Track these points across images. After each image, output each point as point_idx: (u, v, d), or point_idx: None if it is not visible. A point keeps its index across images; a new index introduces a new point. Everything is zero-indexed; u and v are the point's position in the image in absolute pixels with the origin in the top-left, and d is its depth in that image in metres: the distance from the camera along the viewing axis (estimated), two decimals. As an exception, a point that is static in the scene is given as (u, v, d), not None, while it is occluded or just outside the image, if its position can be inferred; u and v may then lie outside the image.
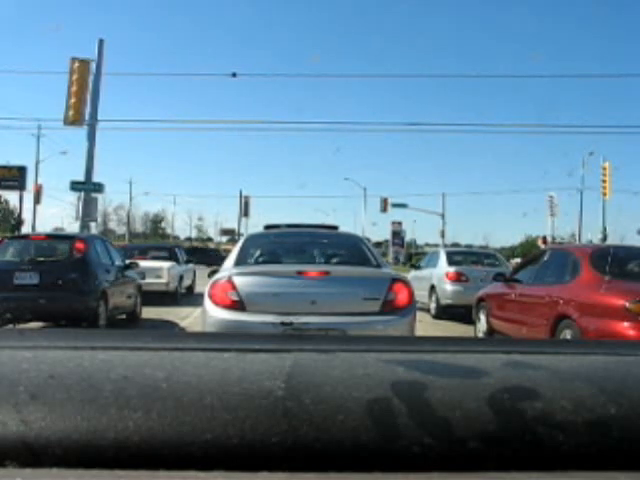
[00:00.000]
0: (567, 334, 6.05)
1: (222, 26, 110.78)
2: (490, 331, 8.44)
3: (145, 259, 13.60)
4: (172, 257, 14.92)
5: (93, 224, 23.27)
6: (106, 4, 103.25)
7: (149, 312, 10.87)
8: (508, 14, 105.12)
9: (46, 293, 7.85)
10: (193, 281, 16.42)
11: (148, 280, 12.23)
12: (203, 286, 5.62)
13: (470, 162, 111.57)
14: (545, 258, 7.76)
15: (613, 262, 6.02)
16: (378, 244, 49.29)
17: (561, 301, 6.34)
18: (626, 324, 5.39)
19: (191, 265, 16.74)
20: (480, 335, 8.75)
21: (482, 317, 8.84)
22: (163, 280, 13.16)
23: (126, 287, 9.88)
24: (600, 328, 5.58)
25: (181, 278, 14.59)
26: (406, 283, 5.27)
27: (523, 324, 7.23)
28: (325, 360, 0.57)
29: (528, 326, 7.05)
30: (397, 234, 53.47)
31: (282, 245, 6.15)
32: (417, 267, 15.29)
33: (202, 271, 12.54)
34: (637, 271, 6.36)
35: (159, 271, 13.15)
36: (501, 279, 8.57)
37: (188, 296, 14.75)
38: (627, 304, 5.39)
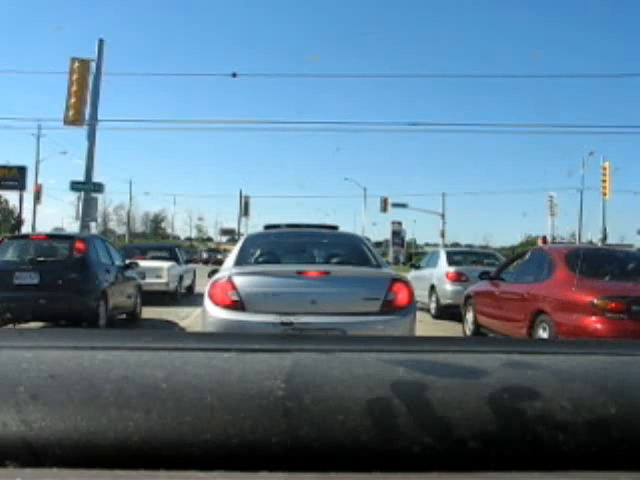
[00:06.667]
0: (543, 328, 6.63)
1: (222, 26, 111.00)
2: (477, 326, 8.94)
3: (145, 259, 13.62)
4: (172, 257, 14.93)
5: (93, 224, 23.27)
6: (106, 3, 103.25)
7: (149, 312, 10.87)
8: (508, 14, 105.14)
9: (46, 293, 7.84)
10: (193, 281, 16.47)
11: (148, 280, 12.26)
12: (203, 286, 5.62)
13: (470, 162, 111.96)
14: (526, 258, 8.49)
15: (584, 262, 6.53)
16: (378, 244, 49.28)
17: (538, 298, 6.89)
18: (594, 318, 5.93)
19: (191, 265, 16.84)
20: (467, 330, 9.31)
21: (470, 313, 9.32)
22: (163, 280, 13.17)
23: (126, 287, 9.87)
24: (572, 322, 6.13)
25: (181, 278, 14.62)
26: (406, 283, 5.26)
27: (506, 319, 7.77)
28: (325, 360, 0.57)
29: (510, 321, 7.59)
30: (397, 234, 53.44)
31: (282, 245, 6.14)
32: (417, 267, 15.27)
33: (202, 271, 12.54)
34: (606, 270, 6.85)
35: (159, 271, 13.16)
36: (486, 277, 9.01)
37: (188, 296, 14.79)
38: (595, 300, 5.92)
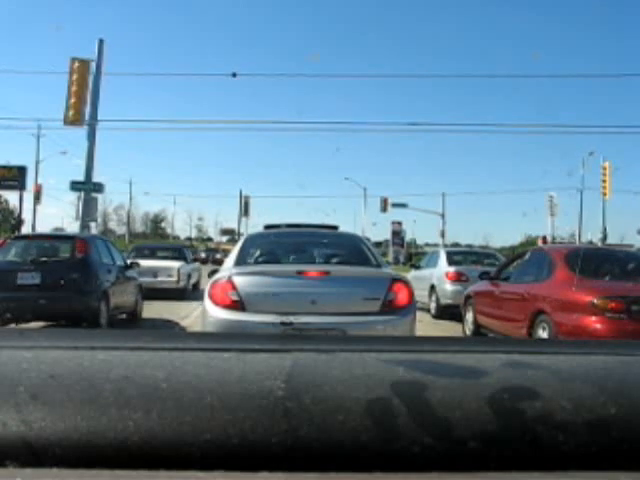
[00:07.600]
0: (543, 328, 6.66)
1: (222, 26, 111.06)
2: (477, 326, 8.98)
3: (156, 259, 15.00)
4: (181, 257, 15.98)
5: (93, 224, 23.29)
6: (106, 3, 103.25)
7: (155, 308, 11.05)
8: (508, 14, 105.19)
9: (48, 293, 7.85)
10: (198, 279, 17.28)
11: (160, 278, 13.70)
12: (206, 284, 5.63)
13: (470, 162, 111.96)
14: (525, 258, 8.55)
15: (584, 262, 6.54)
16: (378, 244, 49.26)
17: (538, 298, 6.93)
18: (594, 318, 5.96)
19: (197, 264, 18.10)
20: (467, 330, 9.37)
21: (470, 313, 9.36)
22: (174, 278, 14.23)
23: (127, 287, 9.87)
24: (572, 322, 6.17)
25: (189, 276, 15.59)
26: (406, 283, 5.26)
27: (506, 319, 7.80)
28: (325, 360, 0.57)
29: (510, 321, 7.61)
30: (397, 234, 53.46)
31: (282, 245, 6.13)
32: (417, 267, 15.26)
33: (205, 270, 12.78)
34: (606, 270, 6.90)
35: (171, 270, 14.24)
36: (486, 277, 9.04)
37: (194, 292, 15.38)
38: (595, 300, 5.96)
